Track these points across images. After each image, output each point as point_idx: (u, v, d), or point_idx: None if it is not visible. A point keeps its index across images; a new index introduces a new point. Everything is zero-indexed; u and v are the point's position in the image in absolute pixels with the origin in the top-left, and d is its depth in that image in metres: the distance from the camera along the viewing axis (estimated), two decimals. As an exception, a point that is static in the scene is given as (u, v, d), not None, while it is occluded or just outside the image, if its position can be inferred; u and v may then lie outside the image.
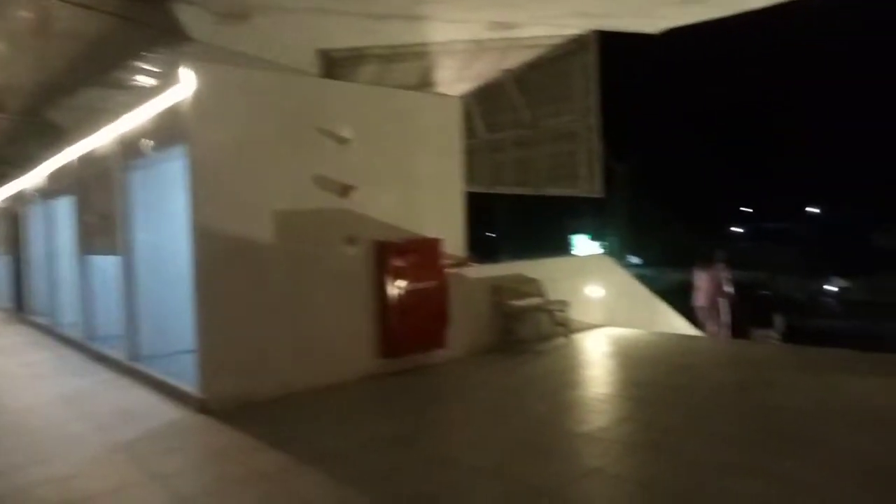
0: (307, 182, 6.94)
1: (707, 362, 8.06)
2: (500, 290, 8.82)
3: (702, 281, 11.39)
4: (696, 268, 11.63)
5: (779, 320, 12.72)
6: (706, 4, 8.32)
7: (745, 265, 42.29)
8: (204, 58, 7.05)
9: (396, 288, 7.34)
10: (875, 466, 4.24)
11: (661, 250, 43.95)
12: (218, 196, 6.30)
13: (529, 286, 9.26)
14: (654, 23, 9.48)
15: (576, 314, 9.62)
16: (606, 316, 10.31)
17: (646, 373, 7.44)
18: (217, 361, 6.23)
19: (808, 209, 47.11)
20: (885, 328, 28.34)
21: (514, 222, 42.43)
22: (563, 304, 9.12)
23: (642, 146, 31.71)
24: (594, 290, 10.26)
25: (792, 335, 12.46)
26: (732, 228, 49.50)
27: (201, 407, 6.09)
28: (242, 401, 6.20)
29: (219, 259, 6.28)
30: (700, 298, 11.42)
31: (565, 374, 7.37)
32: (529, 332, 8.93)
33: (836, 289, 35.25)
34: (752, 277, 40.27)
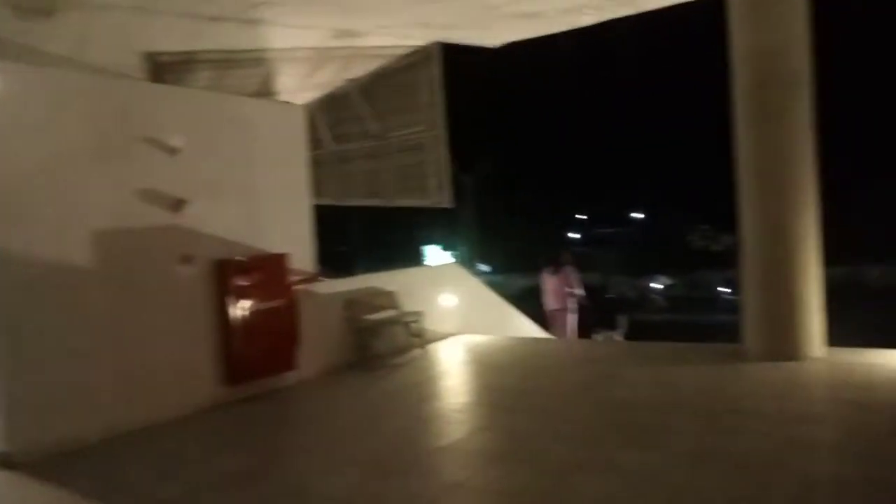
0: (132, 197, 6.24)
1: (557, 364, 8.36)
2: (353, 305, 8.55)
3: (550, 284, 11.79)
4: (545, 272, 11.97)
5: (622, 320, 13.54)
6: (540, 20, 8.71)
7: (581, 268, 45.59)
8: (1, 56, 6.11)
9: (240, 309, 6.83)
10: (708, 449, 4.56)
11: (508, 258, 45.95)
12: (20, 216, 5.46)
13: (383, 299, 9.08)
14: (494, 36, 9.77)
15: (431, 324, 9.59)
16: (461, 324, 10.40)
17: (500, 379, 7.55)
18: (23, 406, 5.36)
19: (632, 215, 51.84)
20: (703, 319, 31.94)
21: (367, 235, 42.22)
22: (418, 314, 9.05)
23: (488, 156, 32.94)
24: (448, 299, 10.32)
25: (632, 332, 13.35)
26: (570, 234, 53.08)
27: (4, 461, 5.19)
28: (59, 449, 5.39)
29: (22, 288, 5.43)
30: (550, 302, 11.79)
31: (422, 387, 7.27)
32: (385, 346, 8.75)
33: (661, 286, 38.87)
34: (589, 279, 43.45)
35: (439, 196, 12.19)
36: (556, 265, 11.80)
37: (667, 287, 38.93)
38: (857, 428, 4.94)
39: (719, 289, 35.29)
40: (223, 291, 6.77)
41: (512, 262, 45.87)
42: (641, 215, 50.04)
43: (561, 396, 6.55)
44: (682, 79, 36.36)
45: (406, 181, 12.31)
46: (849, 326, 8.38)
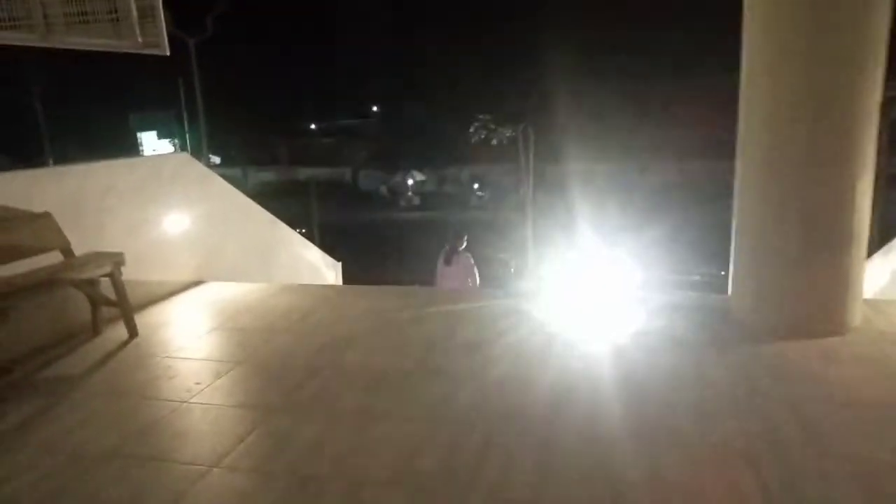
0: None
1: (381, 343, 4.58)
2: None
3: (447, 277, 7.64)
4: (439, 261, 7.74)
5: None
6: None
7: (327, 161, 41.45)
8: None
9: None
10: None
11: (241, 148, 39.63)
12: None
13: (27, 232, 4.18)
14: None
15: (145, 271, 5.03)
16: (203, 262, 5.92)
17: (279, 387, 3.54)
18: None
19: (373, 108, 48.37)
20: (455, 216, 30.79)
21: (55, 115, 32.25)
22: (115, 259, 4.37)
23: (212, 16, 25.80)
24: (176, 219, 5.69)
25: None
26: (311, 126, 47.98)
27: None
28: None
29: None
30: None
31: (101, 437, 2.94)
32: (29, 336, 4.05)
33: (413, 182, 36.87)
34: (337, 176, 39.68)
35: (144, 35, 7.01)
36: (450, 253, 7.59)
37: (417, 183, 37.12)
38: None
39: (474, 186, 34.41)
40: None
41: (246, 153, 39.70)
42: (377, 108, 46.90)
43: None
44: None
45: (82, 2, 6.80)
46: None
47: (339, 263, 8.76)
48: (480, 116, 19.10)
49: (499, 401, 3.25)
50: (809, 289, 3.97)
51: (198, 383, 3.63)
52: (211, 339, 4.42)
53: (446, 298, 5.38)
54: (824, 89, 3.70)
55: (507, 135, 18.74)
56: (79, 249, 4.37)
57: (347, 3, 40.88)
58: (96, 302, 4.45)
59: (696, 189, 26.26)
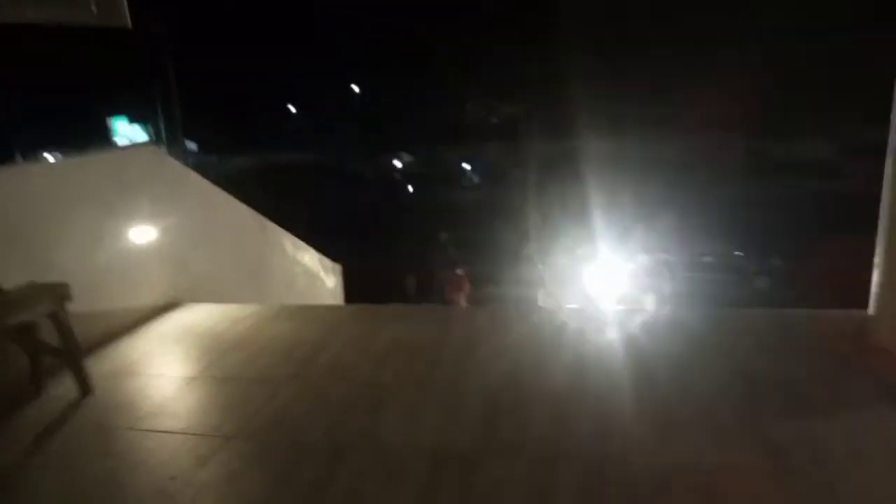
0: None
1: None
2: None
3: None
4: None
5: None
6: None
7: (308, 145, 39.86)
8: None
9: None
10: None
11: (221, 132, 37.92)
12: None
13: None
14: None
15: (105, 297, 3.92)
16: (178, 281, 4.79)
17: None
18: None
19: (353, 87, 46.50)
20: (438, 194, 29.58)
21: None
22: (58, 292, 3.23)
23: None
24: (145, 228, 4.55)
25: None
26: (290, 107, 46.16)
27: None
28: None
29: None
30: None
31: None
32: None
33: (400, 164, 35.59)
34: (321, 160, 38.21)
35: (100, 5, 5.82)
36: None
37: (406, 165, 35.82)
38: None
39: (464, 165, 33.17)
40: None
41: (226, 138, 38.00)
42: (358, 89, 45.14)
43: None
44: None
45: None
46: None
47: (339, 266, 7.65)
48: (476, 93, 17.86)
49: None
50: None
51: (173, 477, 2.55)
52: (191, 396, 3.31)
53: (483, 321, 4.31)
54: None
55: (508, 112, 17.53)
56: (12, 278, 3.23)
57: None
58: (36, 353, 3.33)
59: (691, 168, 25.32)
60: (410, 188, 32.65)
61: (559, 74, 19.76)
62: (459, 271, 16.29)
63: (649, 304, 13.74)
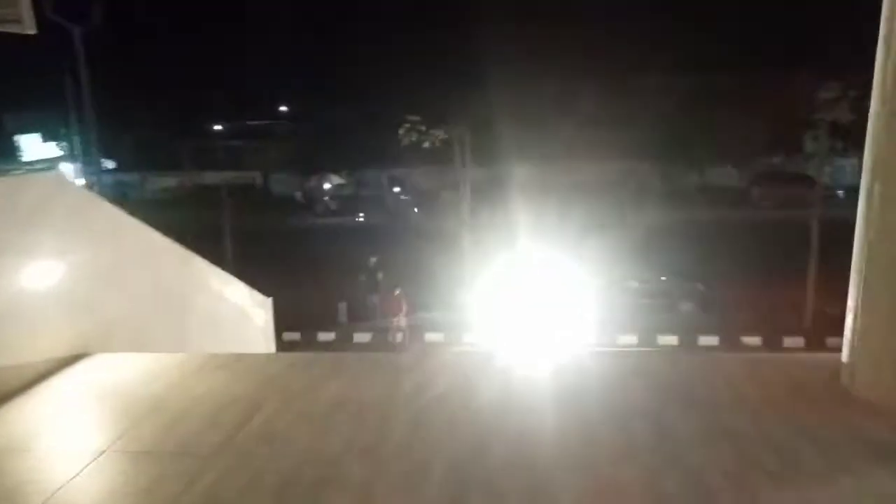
0: None
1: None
2: None
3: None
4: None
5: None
6: None
7: (236, 164, 38.46)
8: None
9: None
10: None
11: (138, 150, 36.10)
12: None
13: None
14: None
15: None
16: (86, 327, 4.17)
17: None
18: None
19: (281, 108, 45.41)
20: (373, 221, 29.09)
21: None
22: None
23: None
24: (44, 268, 3.92)
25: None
26: (215, 127, 44.51)
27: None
28: None
29: None
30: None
31: None
32: None
33: (330, 186, 34.86)
34: (249, 178, 36.91)
35: (1, 7, 5.18)
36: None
37: (336, 187, 35.10)
38: None
39: (395, 189, 32.81)
40: None
41: (144, 157, 36.14)
42: (286, 108, 44.05)
43: None
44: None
45: None
46: None
47: (270, 300, 7.09)
48: (410, 118, 17.65)
49: None
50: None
51: None
52: (98, 481, 2.75)
53: (438, 366, 3.94)
54: None
55: (440, 137, 17.40)
56: None
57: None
58: None
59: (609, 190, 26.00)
60: (335, 209, 32.05)
61: (490, 102, 19.93)
62: (397, 292, 16.03)
63: (580, 332, 13.78)
